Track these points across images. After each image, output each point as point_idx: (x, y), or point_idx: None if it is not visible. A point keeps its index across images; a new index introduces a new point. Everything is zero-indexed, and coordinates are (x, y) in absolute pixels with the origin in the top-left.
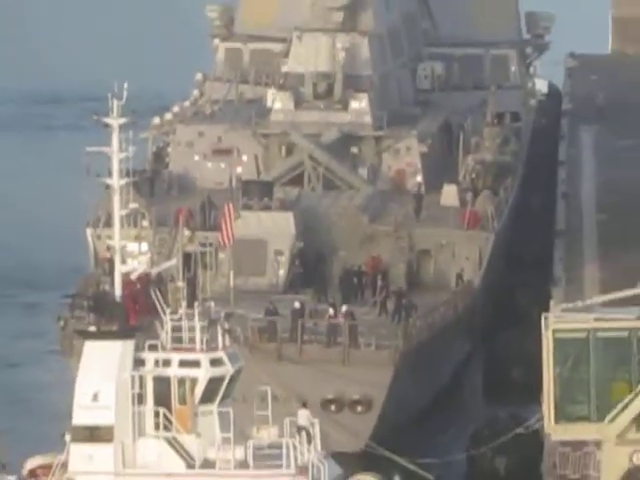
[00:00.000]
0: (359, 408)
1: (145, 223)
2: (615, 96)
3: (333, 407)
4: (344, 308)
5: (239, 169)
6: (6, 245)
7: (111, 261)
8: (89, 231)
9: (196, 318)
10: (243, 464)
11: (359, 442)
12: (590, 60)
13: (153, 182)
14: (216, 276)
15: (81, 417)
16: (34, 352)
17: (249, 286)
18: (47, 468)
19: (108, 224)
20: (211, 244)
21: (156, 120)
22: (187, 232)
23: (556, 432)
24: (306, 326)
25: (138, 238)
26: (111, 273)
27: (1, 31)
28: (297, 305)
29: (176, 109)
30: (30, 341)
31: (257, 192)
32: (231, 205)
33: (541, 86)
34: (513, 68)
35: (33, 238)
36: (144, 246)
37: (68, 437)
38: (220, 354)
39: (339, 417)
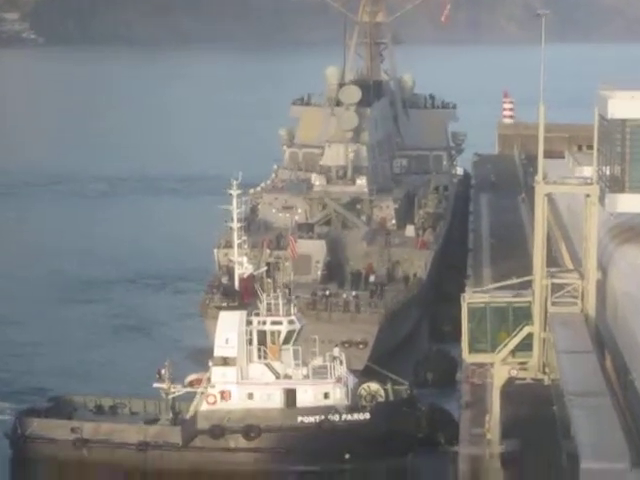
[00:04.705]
0: (361, 346)
1: (246, 246)
2: (499, 177)
3: (347, 345)
4: (353, 293)
5: (296, 217)
6: (170, 258)
7: (229, 267)
8: (215, 250)
9: (280, 299)
10: (306, 376)
11: (362, 364)
12: (486, 157)
13: (250, 224)
14: (283, 275)
15: (219, 352)
16: (181, 315)
17: (301, 280)
18: (199, 380)
19: (226, 246)
20: (280, 257)
21: (252, 190)
22: (268, 251)
23: (469, 358)
24: (332, 301)
25: (244, 255)
26: (229, 274)
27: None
28: (327, 292)
29: (262, 184)
30: (178, 309)
31: (306, 229)
32: (292, 236)
33: (459, 171)
34: (444, 162)
35: (184, 255)
36: (246, 259)
37: (211, 363)
38: (292, 317)
39: (351, 351)
